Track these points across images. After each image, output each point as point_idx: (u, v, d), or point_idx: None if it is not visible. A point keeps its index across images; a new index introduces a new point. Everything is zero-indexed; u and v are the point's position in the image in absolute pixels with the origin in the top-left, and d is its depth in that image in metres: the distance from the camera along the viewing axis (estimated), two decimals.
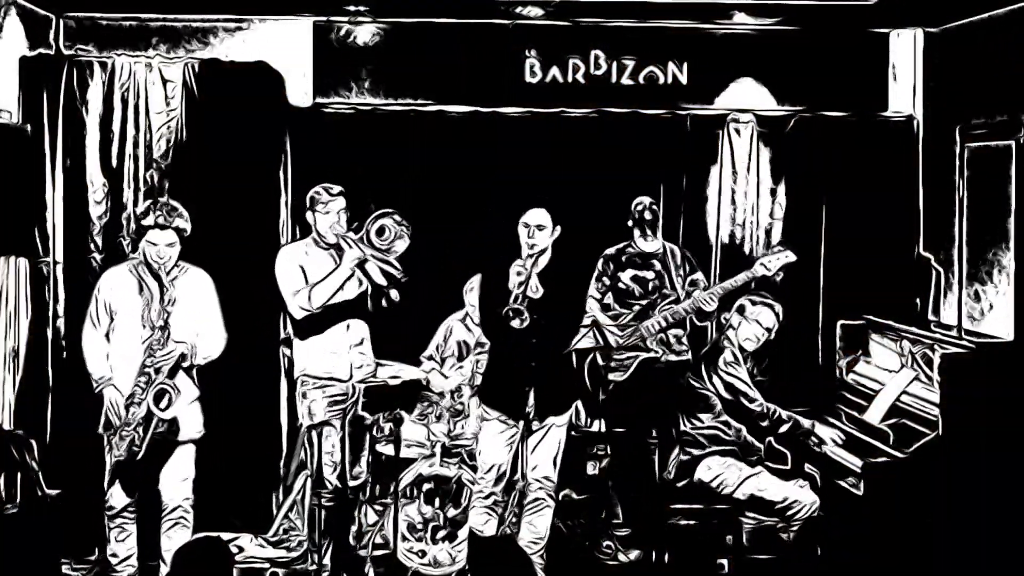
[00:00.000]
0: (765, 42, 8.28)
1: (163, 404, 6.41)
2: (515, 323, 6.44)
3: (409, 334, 7.48)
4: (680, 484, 6.82)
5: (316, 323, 6.81)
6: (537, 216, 6.61)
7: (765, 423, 6.80)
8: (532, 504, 6.73)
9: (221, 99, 7.84)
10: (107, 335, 6.56)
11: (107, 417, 6.51)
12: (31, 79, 7.73)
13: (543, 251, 6.60)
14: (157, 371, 6.43)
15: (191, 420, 6.62)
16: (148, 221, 6.51)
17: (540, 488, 6.72)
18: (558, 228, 6.62)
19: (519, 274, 6.50)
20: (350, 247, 6.71)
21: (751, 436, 6.84)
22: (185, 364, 6.54)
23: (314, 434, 6.83)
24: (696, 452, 6.80)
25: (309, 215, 6.88)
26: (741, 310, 6.97)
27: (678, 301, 7.48)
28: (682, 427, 6.87)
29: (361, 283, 6.79)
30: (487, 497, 6.68)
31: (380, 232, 6.74)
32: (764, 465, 6.88)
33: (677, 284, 7.55)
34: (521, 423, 6.58)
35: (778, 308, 6.97)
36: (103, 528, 6.72)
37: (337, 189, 6.88)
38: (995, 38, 7.40)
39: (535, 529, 6.73)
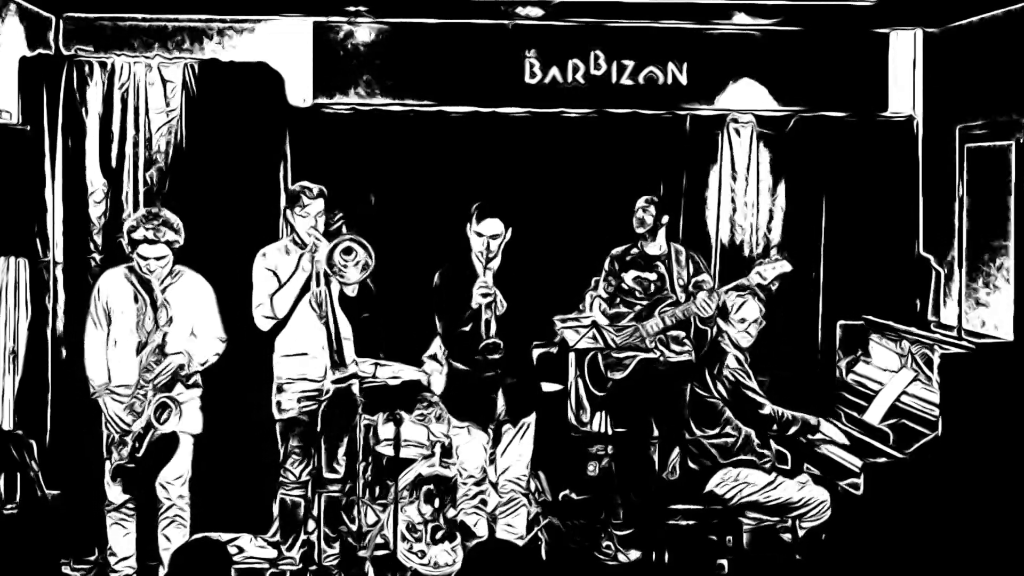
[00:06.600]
0: (765, 42, 8.28)
1: (164, 417, 6.41)
2: (494, 356, 6.32)
3: (410, 334, 7.48)
4: (691, 495, 6.77)
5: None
6: (492, 226, 6.37)
7: (774, 428, 6.75)
8: (507, 505, 6.70)
9: (221, 99, 7.84)
10: (107, 337, 6.54)
11: (110, 429, 6.51)
12: (31, 79, 7.73)
13: (495, 257, 6.43)
14: (156, 387, 6.43)
15: (190, 415, 6.59)
16: (137, 235, 6.40)
17: (513, 488, 6.68)
18: (509, 230, 6.43)
19: (486, 295, 6.30)
20: (313, 253, 6.68)
21: (759, 442, 6.78)
22: (183, 374, 6.52)
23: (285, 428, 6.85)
24: (706, 463, 6.74)
25: (288, 214, 6.84)
26: (724, 315, 6.88)
27: (678, 304, 7.47)
28: (690, 436, 6.79)
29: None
30: (473, 497, 6.63)
31: (347, 252, 6.66)
32: (776, 469, 6.85)
33: (679, 287, 7.53)
34: (491, 427, 6.50)
35: (754, 301, 6.89)
36: (103, 528, 6.70)
37: (317, 189, 6.81)
38: (995, 38, 7.40)
39: (513, 529, 6.68)
